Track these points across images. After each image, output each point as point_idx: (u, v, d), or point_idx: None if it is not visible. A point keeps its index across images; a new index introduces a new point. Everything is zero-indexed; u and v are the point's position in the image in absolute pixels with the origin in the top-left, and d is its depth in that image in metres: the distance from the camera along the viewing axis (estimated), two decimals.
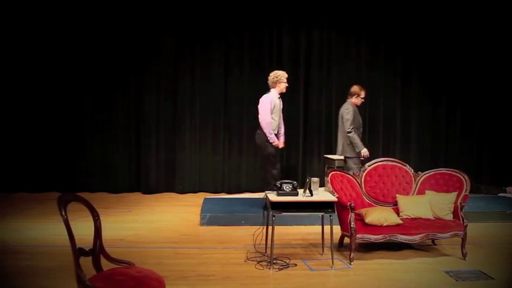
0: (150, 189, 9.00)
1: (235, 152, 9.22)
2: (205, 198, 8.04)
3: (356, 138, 7.26)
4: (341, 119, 7.42)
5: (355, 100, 7.40)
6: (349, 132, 7.25)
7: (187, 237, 6.10)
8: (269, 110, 6.80)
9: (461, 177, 5.76)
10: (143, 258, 5.16)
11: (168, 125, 9.08)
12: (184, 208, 7.82)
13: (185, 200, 8.50)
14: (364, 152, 7.28)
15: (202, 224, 6.69)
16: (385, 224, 5.23)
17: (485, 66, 9.79)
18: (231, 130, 9.19)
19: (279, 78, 6.91)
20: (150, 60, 8.98)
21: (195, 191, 9.07)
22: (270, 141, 6.89)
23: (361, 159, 7.31)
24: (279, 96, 7.00)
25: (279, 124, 7.08)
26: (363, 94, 7.41)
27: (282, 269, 4.96)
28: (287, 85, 7.00)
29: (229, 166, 9.19)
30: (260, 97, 6.99)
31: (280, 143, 7.08)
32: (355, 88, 7.42)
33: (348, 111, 7.29)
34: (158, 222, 6.89)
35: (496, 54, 9.76)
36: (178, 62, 9.05)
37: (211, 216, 6.75)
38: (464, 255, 5.40)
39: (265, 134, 6.84)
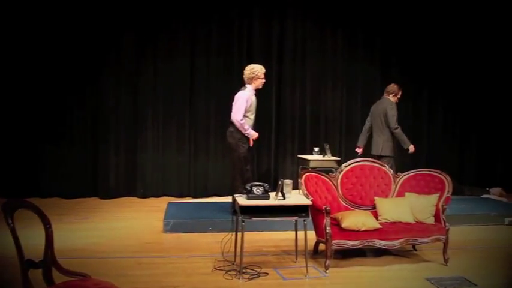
0: (108, 193, 8.90)
1: (202, 152, 9.19)
2: (169, 203, 7.99)
3: (403, 135, 7.58)
4: (381, 115, 7.68)
5: (392, 99, 7.71)
6: (396, 128, 7.55)
7: (150, 246, 6.06)
8: (244, 108, 6.80)
9: (443, 178, 5.86)
10: (102, 269, 5.09)
11: (128, 123, 9.00)
12: (147, 214, 7.76)
13: (147, 205, 8.44)
14: (412, 148, 7.60)
15: (166, 231, 6.65)
16: (363, 228, 5.28)
17: (469, 61, 10.01)
18: (198, 128, 9.16)
19: (256, 73, 6.89)
20: (109, 53, 8.86)
21: (158, 195, 9.02)
22: (249, 136, 6.89)
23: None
24: (255, 92, 7.02)
25: (254, 122, 7.10)
26: (400, 94, 7.75)
27: (252, 278, 4.96)
28: (264, 81, 7.01)
29: (196, 168, 9.17)
30: (234, 93, 6.98)
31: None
32: (393, 87, 7.75)
33: (392, 107, 7.60)
34: (118, 229, 6.82)
35: (481, 48, 9.98)
36: (139, 55, 8.95)
37: (176, 222, 6.72)
38: (446, 261, 5.50)
39: (239, 132, 6.84)
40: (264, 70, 6.96)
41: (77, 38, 8.75)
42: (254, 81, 6.90)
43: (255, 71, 6.89)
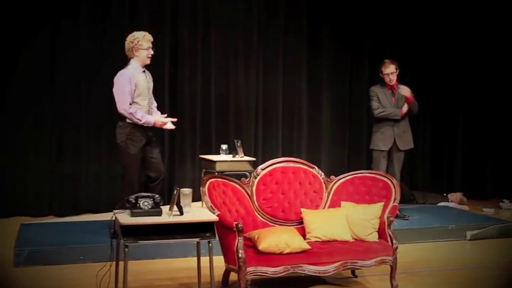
0: None
1: (70, 154, 8.98)
2: (22, 225, 7.80)
3: (388, 114, 8.08)
4: None
5: (385, 79, 8.10)
6: (379, 114, 8.11)
7: None
8: (128, 92, 6.78)
9: (389, 182, 6.03)
10: None
11: None
12: None
13: None
14: (404, 108, 8.09)
15: (17, 265, 6.46)
16: (287, 250, 5.34)
17: (429, 44, 10.38)
18: (63, 122, 8.95)
19: (136, 43, 6.86)
20: None
21: (6, 214, 8.71)
22: (148, 125, 6.89)
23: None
24: (144, 69, 7.01)
25: (149, 107, 7.12)
26: (386, 69, 8.08)
27: None
28: (151, 53, 6.98)
29: (61, 176, 8.94)
30: (114, 74, 6.94)
31: (166, 121, 7.13)
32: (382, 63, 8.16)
33: (371, 95, 8.22)
34: None
35: (436, 28, 10.38)
36: None
37: (33, 252, 6.55)
38: None
39: (128, 126, 6.83)
40: (149, 38, 6.94)
41: None
42: (136, 54, 6.88)
43: (135, 39, 6.86)
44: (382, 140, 8.13)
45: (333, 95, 10.18)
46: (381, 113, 8.07)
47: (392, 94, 8.15)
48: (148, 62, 6.98)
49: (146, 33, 6.95)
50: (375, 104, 8.12)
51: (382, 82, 8.17)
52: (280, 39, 9.88)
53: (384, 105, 8.10)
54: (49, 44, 8.86)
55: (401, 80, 8.26)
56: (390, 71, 8.03)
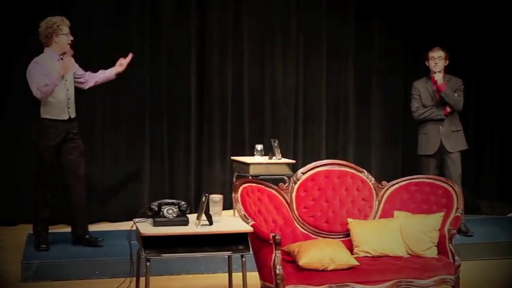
0: None
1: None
2: (31, 234, 7.79)
3: (427, 112, 8.07)
4: None
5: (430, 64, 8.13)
6: (418, 117, 8.14)
7: None
8: (41, 74, 6.96)
9: (450, 188, 5.99)
10: None
11: None
12: None
13: None
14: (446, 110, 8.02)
15: (25, 280, 6.55)
16: (331, 267, 5.32)
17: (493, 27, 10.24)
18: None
19: (56, 28, 7.05)
20: None
21: (12, 222, 8.81)
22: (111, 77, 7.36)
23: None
24: (60, 57, 7.16)
25: (68, 100, 7.23)
26: (433, 53, 8.08)
27: None
28: (71, 38, 7.15)
29: None
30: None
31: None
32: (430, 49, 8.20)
33: (413, 90, 8.29)
34: None
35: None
36: None
37: (43, 265, 6.64)
38: None
39: (40, 122, 7.05)
40: (68, 22, 7.12)
41: None
42: (56, 40, 7.07)
43: (53, 23, 7.04)
44: (427, 143, 8.09)
45: (385, 87, 10.10)
46: (420, 115, 8.07)
47: (438, 90, 8.04)
48: (68, 48, 7.16)
49: (63, 17, 7.15)
50: (414, 104, 8.14)
51: (427, 75, 8.15)
52: (323, 23, 9.84)
53: (426, 103, 8.07)
54: None
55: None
56: (437, 55, 8.00)
